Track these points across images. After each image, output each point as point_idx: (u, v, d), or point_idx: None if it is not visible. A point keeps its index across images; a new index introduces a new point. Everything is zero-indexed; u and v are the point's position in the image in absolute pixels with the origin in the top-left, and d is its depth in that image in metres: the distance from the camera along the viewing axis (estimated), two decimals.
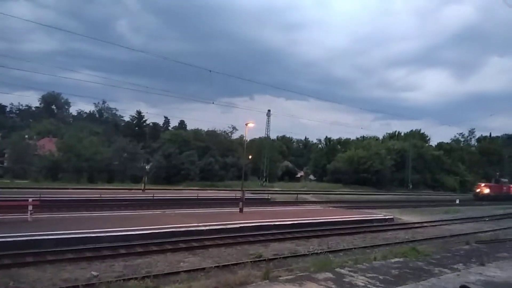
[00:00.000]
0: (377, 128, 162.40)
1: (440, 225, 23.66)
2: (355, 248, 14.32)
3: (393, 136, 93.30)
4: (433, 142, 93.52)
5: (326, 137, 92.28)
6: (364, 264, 9.80)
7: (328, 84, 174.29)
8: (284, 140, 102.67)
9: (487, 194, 52.81)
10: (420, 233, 19.76)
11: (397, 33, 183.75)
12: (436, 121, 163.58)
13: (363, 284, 7.76)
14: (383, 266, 9.62)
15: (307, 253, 12.95)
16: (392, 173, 71.91)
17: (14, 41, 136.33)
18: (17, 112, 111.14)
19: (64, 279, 8.95)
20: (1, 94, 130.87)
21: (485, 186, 55.79)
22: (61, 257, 10.62)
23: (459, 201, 44.79)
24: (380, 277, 8.42)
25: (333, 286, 7.57)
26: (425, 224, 23.17)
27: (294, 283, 7.62)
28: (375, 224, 21.73)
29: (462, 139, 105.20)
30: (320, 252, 13.00)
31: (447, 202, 43.60)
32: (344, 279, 8.05)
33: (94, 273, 9.46)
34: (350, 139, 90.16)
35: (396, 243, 16.17)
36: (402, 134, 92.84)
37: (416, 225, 22.79)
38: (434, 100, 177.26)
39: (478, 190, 54.87)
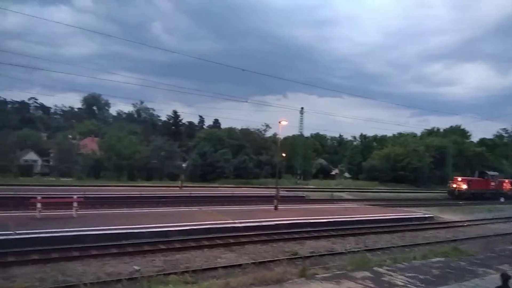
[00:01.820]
0: (414, 124, 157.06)
1: (484, 224, 22.72)
2: (393, 247, 14.05)
3: (432, 132, 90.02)
4: (475, 138, 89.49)
5: (361, 134, 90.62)
6: (403, 263, 9.61)
7: (362, 80, 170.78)
8: (318, 138, 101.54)
9: (465, 191, 42.17)
10: (462, 232, 19.07)
11: (433, 26, 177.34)
12: (477, 116, 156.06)
13: (402, 284, 7.63)
14: (423, 266, 9.40)
15: (344, 252, 12.84)
16: (431, 170, 69.48)
17: (57, 46, 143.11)
18: (61, 113, 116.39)
19: (108, 273, 9.35)
20: (46, 96, 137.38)
21: (462, 181, 43.56)
22: (105, 252, 11.11)
23: (504, 199, 42.66)
24: (421, 276, 8.24)
25: (371, 285, 7.49)
26: (467, 223, 22.32)
27: (331, 281, 7.60)
28: (414, 222, 21.16)
29: (505, 135, 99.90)
30: (357, 251, 12.84)
31: (490, 200, 41.56)
32: (382, 278, 7.94)
33: (136, 268, 9.83)
34: (386, 135, 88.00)
35: (436, 242, 15.71)
36: (441, 130, 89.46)
37: (458, 223, 22.00)
38: (474, 95, 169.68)
39: (454, 186, 43.47)
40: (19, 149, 61.38)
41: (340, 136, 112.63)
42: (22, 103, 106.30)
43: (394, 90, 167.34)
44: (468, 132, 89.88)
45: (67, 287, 8.16)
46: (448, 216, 25.04)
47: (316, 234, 15.79)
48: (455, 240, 16.19)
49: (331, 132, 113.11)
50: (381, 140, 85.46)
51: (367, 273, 8.31)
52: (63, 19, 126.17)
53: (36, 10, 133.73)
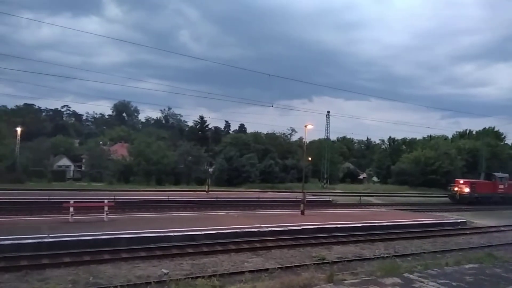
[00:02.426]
0: (445, 126, 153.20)
1: None
2: (424, 253, 13.65)
3: (464, 135, 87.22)
4: (509, 140, 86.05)
5: (390, 137, 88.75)
6: (434, 269, 9.32)
7: (390, 82, 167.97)
8: (345, 141, 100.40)
9: (468, 195, 38.20)
10: (497, 238, 18.32)
11: (464, 26, 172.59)
12: (511, 118, 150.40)
13: None
14: (456, 272, 9.09)
15: (373, 257, 12.58)
16: (464, 174, 67.16)
17: (88, 55, 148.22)
18: (92, 120, 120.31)
19: (137, 276, 9.53)
20: (78, 104, 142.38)
21: (465, 183, 39.14)
22: (135, 255, 11.33)
23: None
24: (453, 283, 7.96)
25: None
26: (503, 228, 21.43)
27: (359, 287, 7.46)
28: (446, 227, 20.52)
29: None
30: (387, 256, 12.56)
31: (499, 205, 37.89)
32: (413, 285, 7.72)
33: (165, 271, 9.97)
34: (415, 138, 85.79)
35: (470, 248, 15.16)
36: (474, 132, 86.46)
37: (492, 229, 21.16)
38: (508, 95, 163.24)
39: (456, 189, 39.34)
40: (53, 155, 63.81)
41: (368, 139, 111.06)
42: (56, 111, 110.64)
43: (423, 92, 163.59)
44: (502, 134, 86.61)
45: None
46: (482, 221, 24.13)
47: (343, 239, 15.57)
48: (489, 246, 15.58)
49: (358, 135, 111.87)
50: (410, 143, 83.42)
51: (397, 280, 8.11)
52: (94, 29, 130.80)
53: (69, 22, 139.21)
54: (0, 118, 70.37)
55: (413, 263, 10.93)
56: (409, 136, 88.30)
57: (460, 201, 37.72)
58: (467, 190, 38.35)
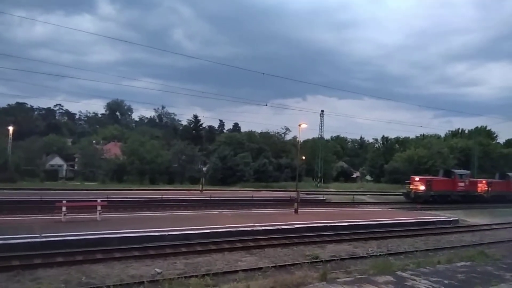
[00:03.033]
0: (438, 126, 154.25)
1: None
2: (416, 251, 13.75)
3: (456, 133, 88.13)
4: (501, 139, 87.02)
5: (383, 136, 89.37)
6: (427, 267, 9.39)
7: (384, 82, 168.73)
8: (339, 140, 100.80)
9: (423, 193, 35.45)
10: (489, 236, 18.50)
11: (457, 26, 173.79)
12: (503, 117, 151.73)
13: None
14: (448, 270, 9.17)
15: (366, 255, 12.65)
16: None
17: (81, 53, 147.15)
18: (85, 119, 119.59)
19: (130, 275, 9.49)
20: (71, 102, 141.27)
21: (420, 181, 36.68)
22: (128, 255, 11.28)
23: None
24: (445, 281, 8.03)
25: None
26: (495, 227, 21.66)
27: (352, 286, 7.49)
28: (438, 226, 20.70)
29: None
30: (380, 255, 12.63)
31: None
32: (405, 283, 7.78)
33: (158, 270, 9.94)
34: (408, 137, 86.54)
35: (461, 246, 15.31)
36: (466, 131, 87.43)
37: (484, 227, 21.38)
38: (499, 95, 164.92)
39: (411, 187, 36.78)
40: (46, 154, 63.29)
41: (361, 138, 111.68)
42: (48, 109, 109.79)
43: (416, 91, 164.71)
44: (494, 133, 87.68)
45: None
46: (474, 219, 24.36)
47: (337, 238, 15.63)
48: (481, 244, 15.74)
49: (352, 134, 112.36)
50: (403, 142, 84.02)
51: (389, 278, 8.16)
52: (87, 27, 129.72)
53: (62, 20, 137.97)
54: None
55: (406, 261, 10.99)
56: (402, 135, 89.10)
57: (415, 200, 35.48)
58: (422, 188, 35.87)
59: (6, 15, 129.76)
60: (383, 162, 74.68)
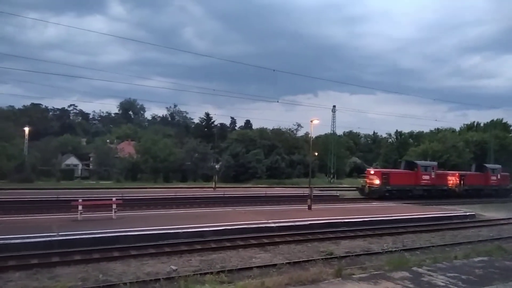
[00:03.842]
0: (453, 119, 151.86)
1: None
2: (433, 246, 13.60)
3: (471, 127, 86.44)
4: None
5: (397, 130, 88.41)
6: (443, 263, 9.28)
7: (396, 75, 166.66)
8: (351, 136, 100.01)
9: (379, 187, 32.06)
10: (507, 230, 18.18)
11: (469, 18, 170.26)
12: None
13: (443, 284, 7.37)
14: (465, 266, 9.04)
15: (381, 251, 12.56)
16: (472, 166, 66.76)
17: (93, 54, 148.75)
18: (99, 118, 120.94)
19: (146, 273, 9.59)
20: (85, 103, 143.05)
21: (375, 174, 33.46)
22: (144, 252, 11.41)
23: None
24: (463, 276, 7.92)
25: (411, 285, 7.27)
26: None
27: (368, 282, 7.44)
28: (454, 221, 20.42)
29: None
30: (395, 250, 12.53)
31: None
32: (422, 279, 7.70)
33: (173, 267, 10.03)
34: (423, 132, 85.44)
35: (479, 241, 15.08)
36: (482, 124, 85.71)
37: (502, 221, 21.02)
38: None
39: (366, 181, 33.77)
40: (61, 154, 64.28)
41: (374, 133, 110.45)
42: (63, 110, 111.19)
43: (430, 84, 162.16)
44: (510, 125, 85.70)
45: (108, 286, 8.42)
46: (491, 213, 23.97)
47: (351, 234, 15.54)
48: (499, 239, 15.47)
49: (364, 129, 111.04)
50: (417, 137, 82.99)
51: (405, 273, 8.09)
52: (99, 28, 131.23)
53: (74, 21, 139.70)
54: (8, 118, 70.96)
55: (422, 257, 10.88)
56: (416, 129, 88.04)
57: (369, 195, 32.23)
58: (377, 181, 32.34)
59: (20, 17, 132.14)
60: (397, 157, 73.82)
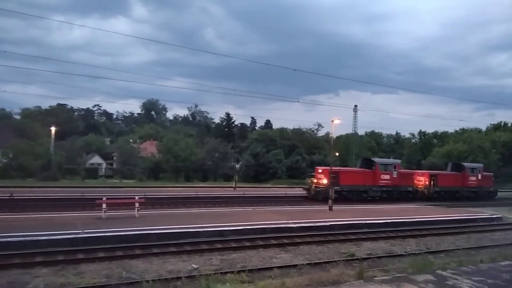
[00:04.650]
0: (479, 119, 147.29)
1: None
2: (457, 249, 13.28)
3: (499, 127, 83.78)
4: None
5: (420, 130, 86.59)
6: (469, 266, 9.06)
7: (419, 75, 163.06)
8: (373, 136, 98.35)
9: (326, 188, 27.23)
10: None
11: (495, 15, 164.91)
12: None
13: None
14: (492, 269, 8.79)
15: (404, 254, 12.36)
16: (499, 168, 64.75)
17: (117, 55, 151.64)
18: (122, 118, 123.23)
19: (168, 271, 9.72)
20: (108, 103, 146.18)
21: (323, 173, 29.43)
22: (165, 250, 11.56)
23: None
24: (489, 281, 7.71)
25: None
26: None
27: (390, 284, 7.33)
28: (480, 223, 19.88)
29: None
30: (418, 253, 12.31)
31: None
32: (446, 282, 7.53)
33: (195, 266, 10.13)
34: (447, 132, 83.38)
35: (506, 244, 14.63)
36: (510, 124, 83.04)
37: None
38: None
39: (315, 181, 29.75)
40: (86, 153, 65.78)
41: (397, 133, 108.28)
42: (87, 110, 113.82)
43: (455, 83, 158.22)
44: None
45: (131, 283, 8.58)
46: None
47: (373, 236, 15.33)
48: None
49: (387, 129, 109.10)
50: (442, 137, 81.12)
51: (429, 277, 7.92)
52: (122, 30, 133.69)
53: (98, 23, 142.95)
54: (35, 118, 73.30)
55: (446, 260, 10.64)
56: (440, 129, 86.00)
57: (314, 197, 28.50)
58: (325, 181, 28.67)
59: (46, 20, 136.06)
60: (421, 157, 72.50)
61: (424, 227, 17.49)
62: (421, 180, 33.63)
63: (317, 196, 28.28)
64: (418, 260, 10.16)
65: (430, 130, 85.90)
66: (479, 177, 36.14)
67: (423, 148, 78.15)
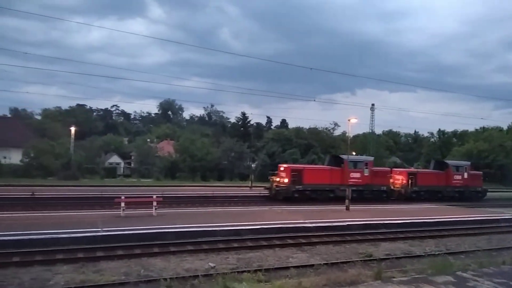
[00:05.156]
0: (500, 117, 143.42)
1: None
2: (478, 251, 12.98)
3: None
4: None
5: (439, 129, 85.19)
6: (490, 268, 8.85)
7: (438, 72, 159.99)
8: (391, 135, 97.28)
9: (286, 187, 26.60)
10: None
11: None
12: None
13: None
14: None
15: (423, 254, 12.15)
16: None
17: (134, 56, 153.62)
18: (140, 118, 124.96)
19: (186, 269, 9.81)
20: (126, 103, 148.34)
21: (285, 171, 27.60)
22: (182, 249, 11.67)
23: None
24: (511, 283, 7.52)
25: None
26: None
27: (409, 285, 7.22)
28: (502, 224, 19.39)
29: None
30: (438, 254, 12.08)
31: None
32: (467, 284, 7.38)
33: (212, 265, 10.19)
34: (467, 130, 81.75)
35: None
36: None
37: None
38: None
39: (277, 180, 27.90)
40: (104, 153, 66.94)
41: (415, 132, 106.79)
42: (106, 110, 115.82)
43: (474, 81, 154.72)
44: None
45: (149, 281, 8.68)
46: None
47: (391, 236, 15.13)
48: None
49: (405, 128, 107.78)
50: (461, 136, 79.66)
51: (449, 278, 7.78)
52: (139, 30, 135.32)
53: (115, 24, 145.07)
54: (55, 119, 74.94)
55: (467, 261, 10.44)
56: (460, 128, 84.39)
57: (275, 197, 26.84)
58: (286, 180, 26.85)
59: (66, 22, 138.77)
60: (440, 156, 71.13)
61: (444, 228, 17.18)
62: (399, 178, 31.59)
63: (278, 196, 26.70)
64: (437, 261, 9.99)
65: (449, 128, 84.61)
66: (465, 176, 33.57)
67: (442, 147, 76.93)
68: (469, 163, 36.12)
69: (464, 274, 8.13)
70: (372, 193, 29.31)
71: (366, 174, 29.21)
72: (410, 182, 30.95)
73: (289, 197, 26.38)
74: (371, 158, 31.88)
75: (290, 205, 24.13)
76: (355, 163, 29.38)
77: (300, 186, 26.77)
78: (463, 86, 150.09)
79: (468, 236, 15.87)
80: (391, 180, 31.41)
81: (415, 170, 33.74)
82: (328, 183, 27.97)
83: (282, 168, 28.22)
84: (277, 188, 27.12)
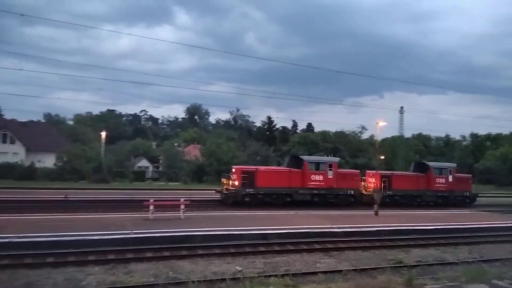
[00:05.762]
0: None
1: None
2: None
3: None
4: None
5: (472, 133, 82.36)
6: None
7: (470, 74, 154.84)
8: (421, 138, 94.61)
9: (236, 191, 24.37)
10: None
11: None
12: None
13: None
14: None
15: (456, 262, 11.77)
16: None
17: (162, 62, 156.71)
18: (167, 123, 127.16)
19: (213, 272, 9.88)
20: (154, 108, 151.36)
21: (237, 172, 25.28)
22: (210, 252, 11.76)
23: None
24: None
25: None
26: None
27: None
28: None
29: None
30: (472, 261, 11.69)
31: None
32: None
33: (239, 268, 10.21)
34: (501, 134, 78.69)
35: None
36: None
37: None
38: None
39: (228, 183, 25.52)
40: (133, 157, 68.45)
41: (447, 136, 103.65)
42: (135, 115, 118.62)
43: (509, 83, 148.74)
44: None
45: (177, 283, 8.79)
46: None
47: (422, 242, 14.74)
48: None
49: (436, 132, 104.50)
50: (495, 139, 76.77)
51: (484, 286, 7.50)
52: (167, 37, 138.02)
53: (144, 31, 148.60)
54: (87, 124, 77.40)
55: (503, 269, 10.01)
56: (494, 131, 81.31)
57: (224, 201, 25.07)
58: (236, 183, 24.61)
59: (96, 30, 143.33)
60: (473, 161, 68.93)
61: (478, 234, 16.60)
62: (371, 182, 28.66)
63: (227, 200, 24.76)
64: (471, 268, 9.64)
65: (482, 132, 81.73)
66: (450, 179, 29.99)
67: (475, 151, 74.37)
68: (454, 165, 32.89)
69: (500, 283, 7.82)
70: (336, 198, 26.67)
71: (330, 177, 26.24)
72: (383, 186, 27.72)
73: (238, 202, 24.17)
74: (336, 159, 29.20)
75: (240, 210, 22.08)
76: (317, 165, 26.60)
77: (252, 190, 24.45)
78: (496, 88, 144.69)
79: (504, 243, 15.25)
80: (363, 183, 28.78)
81: (390, 172, 31.11)
82: (286, 186, 25.44)
83: (233, 170, 26.13)
84: (225, 192, 25.12)
